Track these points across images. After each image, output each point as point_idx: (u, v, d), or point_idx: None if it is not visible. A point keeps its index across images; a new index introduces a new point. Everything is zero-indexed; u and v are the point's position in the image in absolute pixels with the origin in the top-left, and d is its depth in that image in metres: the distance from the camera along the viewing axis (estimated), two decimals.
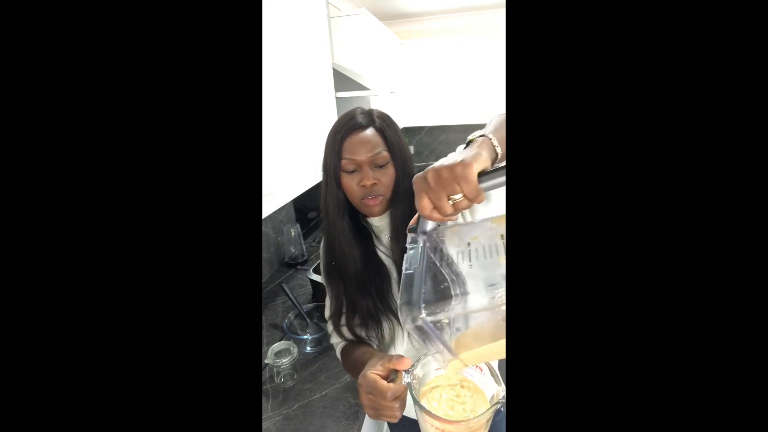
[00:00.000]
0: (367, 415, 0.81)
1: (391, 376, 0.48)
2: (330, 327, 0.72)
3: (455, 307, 0.35)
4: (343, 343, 0.71)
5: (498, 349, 0.38)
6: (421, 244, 0.42)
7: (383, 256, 0.67)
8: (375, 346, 0.69)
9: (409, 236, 0.43)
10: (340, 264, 0.66)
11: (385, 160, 0.60)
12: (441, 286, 0.37)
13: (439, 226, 0.44)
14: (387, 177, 0.61)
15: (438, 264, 0.40)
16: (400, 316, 0.36)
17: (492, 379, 0.45)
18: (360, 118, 0.61)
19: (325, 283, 0.71)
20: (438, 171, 0.37)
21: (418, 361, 0.47)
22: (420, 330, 0.36)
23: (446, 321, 0.36)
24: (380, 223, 0.67)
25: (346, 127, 0.61)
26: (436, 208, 0.38)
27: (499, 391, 0.43)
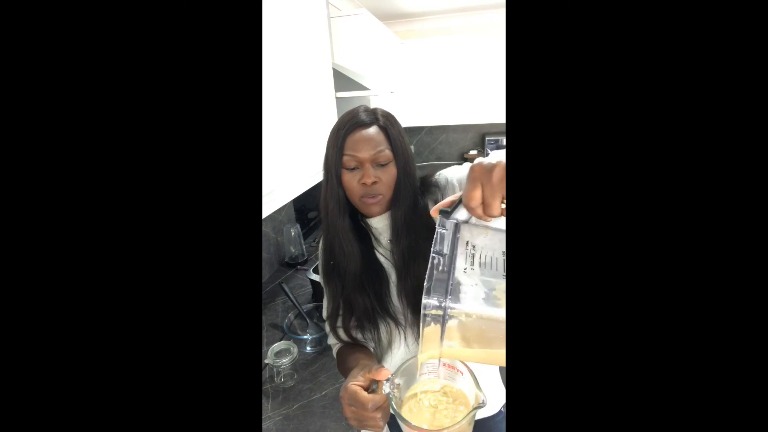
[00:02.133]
0: None
1: (372, 386, 0.47)
2: (327, 328, 0.72)
3: (455, 303, 0.35)
4: (339, 345, 0.70)
5: (479, 356, 0.38)
6: (452, 230, 0.40)
7: (382, 259, 0.66)
8: (371, 349, 0.69)
9: (440, 217, 0.41)
10: (339, 263, 0.65)
11: (387, 159, 0.60)
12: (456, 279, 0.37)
13: (468, 220, 0.42)
14: (388, 176, 0.60)
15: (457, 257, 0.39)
16: (424, 299, 0.35)
17: (472, 383, 0.44)
18: (364, 116, 0.61)
19: (322, 284, 0.71)
20: (506, 169, 0.34)
21: (398, 369, 0.47)
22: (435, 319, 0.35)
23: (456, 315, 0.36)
24: (379, 225, 0.66)
25: (350, 123, 0.60)
26: (485, 204, 0.35)
27: (479, 395, 0.43)
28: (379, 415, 0.45)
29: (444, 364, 0.47)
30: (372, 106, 0.64)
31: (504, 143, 2.64)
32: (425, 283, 0.36)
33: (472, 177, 0.35)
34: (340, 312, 0.67)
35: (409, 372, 0.48)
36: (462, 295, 0.36)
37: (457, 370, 0.47)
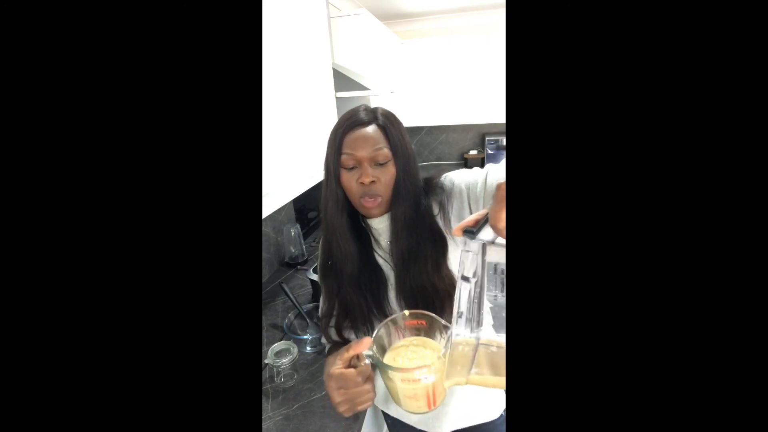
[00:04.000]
0: (366, 416, 0.81)
1: (353, 362, 0.49)
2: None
3: (485, 333, 0.35)
4: (329, 345, 0.70)
5: (494, 383, 0.39)
6: (479, 253, 0.39)
7: (381, 260, 0.66)
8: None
9: (465, 238, 0.40)
10: (337, 263, 0.65)
11: (386, 158, 0.59)
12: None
13: (494, 240, 0.42)
14: (387, 176, 0.60)
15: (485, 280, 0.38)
16: (454, 326, 0.35)
17: (436, 327, 0.48)
18: (363, 115, 0.60)
19: (319, 283, 0.71)
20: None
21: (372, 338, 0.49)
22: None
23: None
24: (380, 226, 0.66)
25: (348, 122, 0.60)
26: None
27: (444, 334, 0.45)
28: (369, 386, 0.47)
29: (407, 322, 0.50)
30: (372, 106, 0.64)
31: (504, 143, 2.64)
32: (455, 309, 0.35)
33: (500, 197, 0.35)
34: (335, 312, 0.67)
35: (378, 340, 0.50)
36: (492, 325, 0.35)
37: (419, 322, 0.50)
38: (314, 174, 1.03)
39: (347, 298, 0.65)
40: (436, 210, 0.64)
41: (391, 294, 0.65)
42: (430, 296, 0.61)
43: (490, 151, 2.67)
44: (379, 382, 0.77)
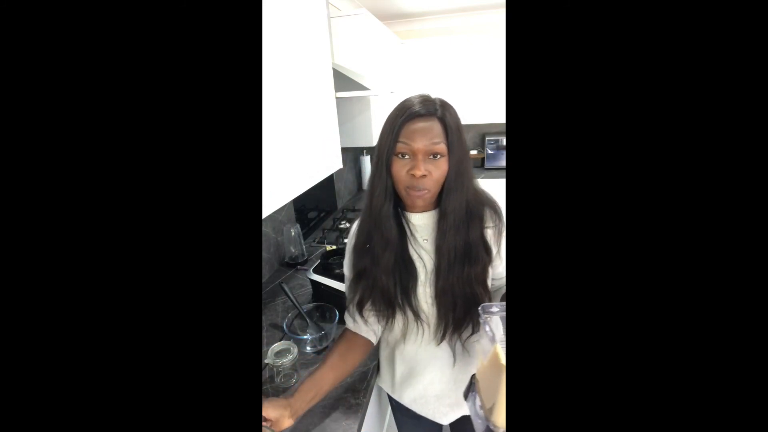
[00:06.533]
0: (367, 415, 0.81)
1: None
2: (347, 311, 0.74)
3: None
4: (347, 327, 0.73)
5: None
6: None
7: (414, 255, 0.66)
8: (378, 335, 0.71)
9: None
10: (374, 247, 0.65)
11: (441, 153, 0.59)
12: None
13: None
14: (438, 171, 0.59)
15: None
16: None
17: None
18: (422, 106, 0.60)
19: (350, 263, 0.71)
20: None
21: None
22: None
23: None
24: (419, 222, 0.66)
25: (409, 112, 0.60)
26: None
27: None
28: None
29: None
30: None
31: (504, 143, 2.64)
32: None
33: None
34: (357, 292, 0.68)
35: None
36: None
37: None
38: (314, 174, 1.03)
39: (377, 282, 0.66)
40: (489, 223, 0.65)
41: (420, 290, 0.66)
42: (476, 298, 0.62)
43: (490, 151, 2.67)
44: (398, 366, 0.77)
